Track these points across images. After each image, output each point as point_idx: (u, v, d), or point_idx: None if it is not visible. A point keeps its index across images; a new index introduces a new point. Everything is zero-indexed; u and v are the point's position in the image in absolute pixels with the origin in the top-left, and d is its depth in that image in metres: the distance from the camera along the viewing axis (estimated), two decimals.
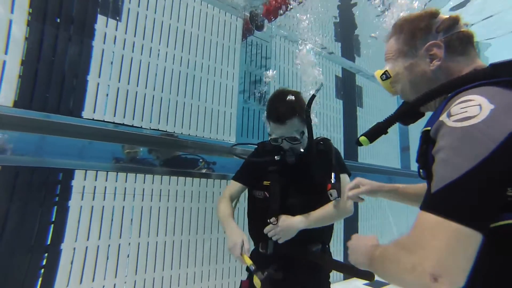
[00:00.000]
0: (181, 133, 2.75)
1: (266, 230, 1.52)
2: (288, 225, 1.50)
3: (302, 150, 1.59)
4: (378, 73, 1.02)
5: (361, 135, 1.00)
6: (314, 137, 1.62)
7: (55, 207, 2.08)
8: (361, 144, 1.03)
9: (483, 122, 0.61)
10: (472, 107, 0.65)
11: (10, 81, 2.00)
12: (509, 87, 0.68)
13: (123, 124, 2.41)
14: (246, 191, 1.78)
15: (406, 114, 0.96)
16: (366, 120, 5.15)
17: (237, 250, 1.45)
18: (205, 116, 2.93)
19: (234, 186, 1.76)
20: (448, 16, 0.89)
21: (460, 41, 0.87)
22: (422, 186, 1.21)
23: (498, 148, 0.58)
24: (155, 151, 2.83)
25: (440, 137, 0.68)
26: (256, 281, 1.40)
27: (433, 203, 0.62)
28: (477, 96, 0.67)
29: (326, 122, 4.39)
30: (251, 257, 1.75)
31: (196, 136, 2.84)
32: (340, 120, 4.63)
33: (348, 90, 4.90)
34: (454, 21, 0.88)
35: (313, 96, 1.55)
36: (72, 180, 2.15)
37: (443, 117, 0.69)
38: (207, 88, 2.98)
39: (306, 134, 1.59)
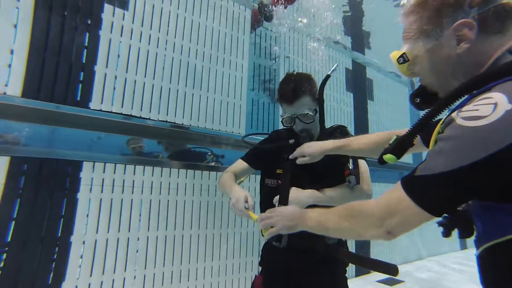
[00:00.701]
0: (190, 125, 2.70)
1: (275, 201, 1.45)
2: (296, 198, 1.42)
3: (316, 131, 1.55)
4: (394, 55, 0.89)
5: (384, 153, 0.87)
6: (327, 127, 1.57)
7: (64, 199, 2.05)
8: (385, 162, 0.90)
9: (490, 125, 0.58)
10: (486, 106, 0.61)
11: (18, 71, 1.97)
12: None
13: (130, 115, 2.37)
14: (258, 180, 1.71)
15: (429, 120, 0.80)
16: (376, 113, 5.04)
17: (241, 204, 1.36)
18: (214, 107, 2.87)
19: (240, 164, 1.68)
20: None
21: (498, 17, 0.72)
22: (374, 138, 1.27)
23: (493, 154, 0.57)
24: (163, 143, 2.80)
25: (446, 129, 0.67)
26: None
27: (411, 186, 0.71)
28: (498, 93, 0.61)
29: (337, 115, 4.30)
30: (263, 252, 1.69)
31: (205, 128, 2.79)
32: (350, 113, 4.53)
33: (358, 83, 4.80)
34: None
35: (328, 76, 1.50)
36: (80, 172, 2.12)
37: (454, 114, 0.67)
38: (216, 79, 2.92)
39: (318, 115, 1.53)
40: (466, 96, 0.70)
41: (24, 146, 2.02)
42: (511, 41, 0.72)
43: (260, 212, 1.71)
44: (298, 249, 1.48)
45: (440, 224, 0.90)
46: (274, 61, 3.51)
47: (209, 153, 2.92)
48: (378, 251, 4.62)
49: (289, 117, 1.52)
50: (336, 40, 4.39)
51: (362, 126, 4.65)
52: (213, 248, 2.72)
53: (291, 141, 1.54)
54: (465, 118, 0.63)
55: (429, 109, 0.77)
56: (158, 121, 2.51)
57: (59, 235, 1.99)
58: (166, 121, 2.57)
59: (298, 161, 1.44)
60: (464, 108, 0.65)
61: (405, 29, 0.86)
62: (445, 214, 0.86)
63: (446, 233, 0.90)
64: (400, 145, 0.85)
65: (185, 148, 2.88)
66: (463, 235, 0.91)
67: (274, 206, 1.43)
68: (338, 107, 4.33)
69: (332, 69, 1.52)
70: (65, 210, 2.03)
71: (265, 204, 1.66)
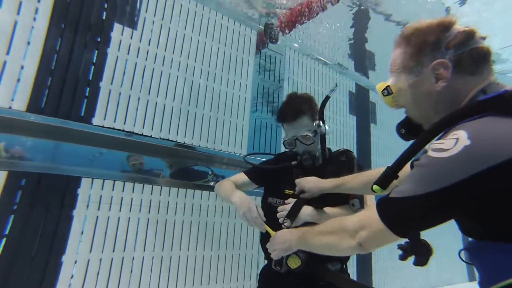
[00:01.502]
0: (191, 144, 2.68)
1: (279, 209, 1.43)
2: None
3: (317, 153, 1.55)
4: (380, 87, 0.94)
5: (374, 183, 0.92)
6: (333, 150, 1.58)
7: (59, 216, 2.00)
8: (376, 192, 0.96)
9: (450, 158, 0.65)
10: (450, 140, 0.67)
11: (26, 86, 1.98)
12: (508, 121, 0.65)
13: (132, 132, 2.36)
14: (260, 199, 1.68)
15: (414, 153, 0.83)
16: (379, 137, 5.02)
17: (254, 212, 1.34)
18: (216, 127, 2.87)
19: (241, 177, 1.67)
20: (462, 30, 0.78)
21: (472, 59, 0.77)
22: (372, 175, 1.28)
23: (450, 186, 0.64)
24: (166, 161, 2.77)
25: (421, 158, 0.74)
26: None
27: (382, 205, 0.78)
28: (461, 130, 0.67)
29: (339, 138, 4.28)
30: (262, 276, 1.63)
31: (206, 147, 2.77)
32: (353, 136, 4.52)
33: (361, 106, 4.82)
34: (468, 36, 0.78)
35: (327, 97, 1.51)
36: (78, 188, 2.08)
37: (428, 145, 0.74)
38: (219, 99, 2.94)
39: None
40: (443, 132, 0.76)
41: (27, 161, 2.00)
42: (485, 81, 0.78)
43: (260, 232, 1.67)
44: (298, 274, 1.42)
45: (399, 247, 0.94)
46: (278, 83, 3.54)
47: (209, 173, 2.89)
48: (380, 279, 4.46)
49: (290, 139, 1.53)
50: (340, 63, 4.45)
51: (364, 149, 4.62)
52: (210, 270, 2.63)
53: (294, 162, 1.54)
54: (433, 150, 0.70)
55: (411, 145, 0.82)
56: (159, 139, 2.50)
57: (51, 254, 1.93)
58: (168, 139, 2.55)
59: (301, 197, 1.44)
60: (435, 141, 0.72)
61: (391, 62, 0.91)
62: (406, 239, 0.91)
63: (403, 257, 0.93)
64: (385, 178, 0.89)
65: (186, 167, 2.85)
66: (418, 263, 0.96)
67: (277, 224, 1.42)
68: (341, 130, 4.32)
69: (331, 90, 1.53)
70: (59, 227, 1.98)
71: (266, 223, 1.62)
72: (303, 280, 1.45)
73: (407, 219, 0.73)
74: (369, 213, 0.81)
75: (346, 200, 1.48)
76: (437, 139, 0.77)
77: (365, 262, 4.22)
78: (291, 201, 1.44)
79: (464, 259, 0.82)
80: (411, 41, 0.85)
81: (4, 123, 1.88)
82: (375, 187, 0.90)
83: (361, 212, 0.87)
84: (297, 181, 1.47)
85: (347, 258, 1.59)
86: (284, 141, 1.57)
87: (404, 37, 0.87)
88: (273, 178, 1.60)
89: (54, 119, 2.04)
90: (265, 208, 1.61)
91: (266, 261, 1.65)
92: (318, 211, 1.45)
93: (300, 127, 1.49)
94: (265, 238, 1.64)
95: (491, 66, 0.80)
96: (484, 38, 0.81)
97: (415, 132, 0.91)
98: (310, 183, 1.43)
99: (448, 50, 0.79)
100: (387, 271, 4.52)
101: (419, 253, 0.93)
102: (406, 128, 0.94)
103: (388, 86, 0.91)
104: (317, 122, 1.50)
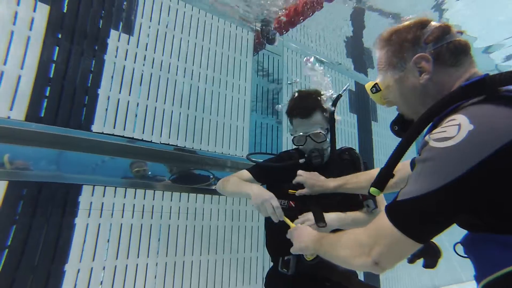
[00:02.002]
0: (192, 148, 2.67)
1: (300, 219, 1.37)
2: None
3: (327, 152, 1.52)
4: (368, 85, 0.97)
5: (370, 187, 0.90)
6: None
7: (61, 224, 1.98)
8: (373, 196, 0.95)
9: (457, 145, 0.63)
10: (452, 127, 0.66)
11: (24, 95, 1.98)
12: (501, 103, 0.65)
13: (133, 138, 2.35)
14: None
15: (405, 149, 0.83)
16: (381, 135, 4.99)
17: (275, 201, 1.30)
18: (216, 130, 2.85)
19: (244, 174, 1.61)
20: (437, 26, 0.83)
21: (451, 52, 0.81)
22: (373, 173, 1.24)
23: (462, 176, 0.61)
24: (167, 166, 2.75)
25: (422, 152, 0.71)
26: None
27: (392, 211, 0.72)
28: (460, 115, 0.67)
29: (341, 136, 4.25)
30: (268, 279, 1.60)
31: (207, 150, 2.75)
32: (355, 134, 4.49)
33: (362, 104, 4.79)
34: (444, 31, 0.82)
35: (339, 96, 1.48)
36: (79, 196, 2.07)
37: (427, 137, 0.71)
38: (219, 102, 2.92)
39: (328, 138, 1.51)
40: (434, 120, 0.76)
41: (30, 171, 1.99)
42: (467, 73, 0.80)
43: (266, 234, 1.64)
44: (306, 276, 1.39)
45: None
46: (277, 83, 3.53)
47: (211, 176, 2.87)
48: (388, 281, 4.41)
49: (301, 136, 1.48)
50: (338, 61, 4.43)
51: (366, 148, 4.59)
52: (215, 274, 2.60)
53: (301, 160, 1.50)
54: (436, 140, 0.67)
55: (401, 142, 0.82)
56: (160, 143, 2.49)
57: (53, 263, 1.91)
58: (169, 144, 2.54)
59: (297, 193, 1.42)
60: (434, 131, 0.70)
61: (377, 62, 0.95)
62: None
63: (411, 260, 0.90)
64: (381, 178, 0.86)
65: (187, 171, 2.83)
66: (427, 265, 0.94)
67: (284, 225, 1.37)
68: (342, 128, 4.30)
69: (344, 89, 1.53)
70: (61, 236, 1.96)
71: (272, 224, 1.59)
72: (310, 282, 1.42)
73: (424, 221, 0.67)
74: (380, 223, 0.73)
75: (355, 202, 1.45)
76: (428, 131, 0.77)
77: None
78: (305, 215, 1.38)
79: (458, 253, 0.81)
80: (392, 40, 0.89)
81: (3, 133, 1.87)
82: (372, 189, 0.88)
83: (373, 222, 0.78)
84: (299, 172, 1.42)
85: None
86: (293, 137, 1.52)
87: (384, 38, 0.92)
88: (277, 178, 1.56)
89: (55, 127, 2.03)
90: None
91: (272, 264, 1.62)
92: (343, 216, 1.40)
93: (312, 124, 1.46)
94: (271, 241, 1.61)
95: (472, 58, 0.83)
96: (461, 33, 0.85)
97: (408, 128, 0.90)
98: (312, 180, 1.39)
99: (427, 45, 0.83)
100: (395, 270, 4.47)
101: (428, 255, 0.90)
102: (399, 125, 0.95)
103: (376, 83, 0.95)
104: (328, 120, 1.49)
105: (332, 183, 1.38)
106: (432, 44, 0.82)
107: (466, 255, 0.75)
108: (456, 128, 0.64)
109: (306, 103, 1.47)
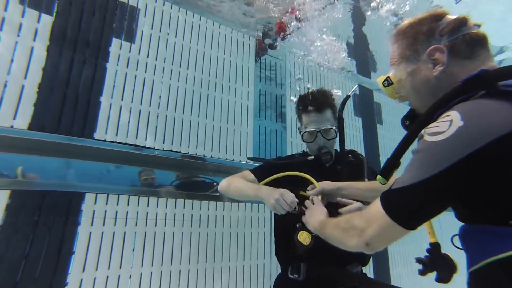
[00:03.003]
0: (195, 154, 2.65)
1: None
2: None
3: (333, 150, 1.52)
4: (380, 79, 0.98)
5: (378, 174, 0.92)
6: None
7: (63, 233, 1.96)
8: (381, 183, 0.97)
9: (446, 139, 0.66)
10: (444, 123, 0.69)
11: (27, 104, 1.99)
12: (496, 98, 0.66)
13: (134, 145, 2.34)
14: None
15: (411, 141, 0.84)
16: (386, 138, 4.92)
17: (288, 194, 1.27)
18: (220, 136, 2.83)
19: (248, 175, 1.56)
20: (454, 18, 0.82)
21: (466, 44, 0.80)
22: (371, 185, 1.34)
23: (448, 168, 0.65)
24: (171, 173, 2.72)
25: (417, 144, 0.75)
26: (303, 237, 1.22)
27: (385, 198, 0.77)
28: (454, 111, 0.69)
29: (346, 140, 4.19)
30: (277, 285, 1.55)
31: (211, 157, 2.73)
32: (360, 138, 4.43)
33: (366, 107, 4.75)
34: (460, 23, 0.81)
35: (348, 97, 1.48)
36: (82, 204, 2.05)
37: (423, 130, 0.74)
38: (222, 107, 2.91)
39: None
40: (436, 115, 0.77)
41: (38, 180, 1.98)
42: (482, 66, 0.78)
43: (275, 240, 1.58)
44: (317, 281, 1.35)
45: (418, 260, 0.90)
46: (280, 88, 3.51)
47: (215, 184, 2.83)
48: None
49: (311, 131, 1.46)
50: (341, 65, 4.41)
51: (372, 151, 4.53)
52: (221, 282, 2.54)
53: (310, 157, 1.48)
54: (429, 134, 0.70)
55: (408, 132, 0.84)
56: (163, 150, 2.47)
57: (55, 274, 1.88)
58: (171, 150, 2.52)
59: (309, 194, 1.37)
60: (430, 125, 0.73)
61: (391, 56, 0.95)
62: (426, 254, 0.88)
63: (423, 272, 0.88)
64: (387, 167, 0.87)
65: (191, 178, 2.80)
66: (440, 280, 0.91)
67: (293, 227, 1.31)
68: (347, 132, 4.25)
69: (353, 89, 1.54)
70: (63, 245, 1.94)
71: (282, 228, 1.54)
72: (322, 286, 1.37)
73: (412, 208, 0.72)
74: (375, 208, 0.78)
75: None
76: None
77: (383, 270, 4.07)
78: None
79: (455, 244, 0.83)
80: (406, 33, 0.89)
81: (6, 142, 1.88)
82: (379, 177, 0.90)
83: (368, 208, 0.83)
84: (310, 189, 1.38)
85: (367, 260, 1.51)
86: (303, 132, 1.50)
87: (399, 32, 0.92)
88: (281, 179, 1.52)
89: (59, 136, 2.03)
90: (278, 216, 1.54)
91: (280, 270, 1.57)
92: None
93: (324, 120, 1.46)
94: (281, 247, 1.56)
95: (489, 52, 0.82)
96: (478, 26, 0.84)
97: None
98: (328, 184, 1.37)
99: (442, 37, 0.82)
100: (405, 278, 4.35)
101: (442, 268, 0.87)
102: (410, 120, 0.95)
103: (388, 77, 0.95)
104: (337, 119, 1.50)
105: (332, 185, 1.38)
106: (447, 36, 0.81)
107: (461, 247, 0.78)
108: (447, 123, 0.67)
109: (320, 98, 1.47)
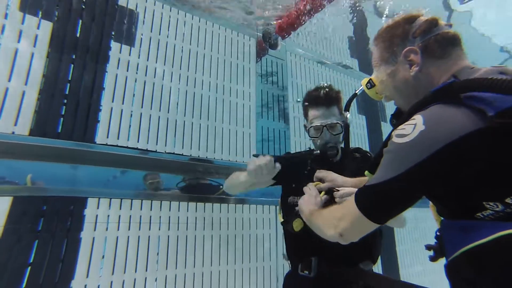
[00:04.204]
0: (198, 156, 2.62)
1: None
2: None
3: (339, 146, 1.51)
4: (363, 81, 1.04)
5: (366, 170, 0.99)
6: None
7: (66, 239, 1.94)
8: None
9: (410, 142, 0.72)
10: (409, 126, 0.74)
11: (28, 110, 1.99)
12: (455, 106, 0.71)
13: (136, 149, 2.32)
14: (279, 201, 1.60)
15: None
16: None
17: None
18: (222, 137, 2.81)
19: None
20: (424, 19, 0.87)
21: (438, 44, 0.85)
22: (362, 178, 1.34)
23: (411, 168, 0.70)
24: (175, 176, 2.70)
25: (388, 144, 0.80)
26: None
27: (358, 194, 0.84)
28: (419, 115, 0.74)
29: (351, 138, 4.14)
30: (287, 283, 1.53)
31: (214, 158, 2.70)
32: (364, 136, 4.38)
33: (370, 105, 4.70)
34: (430, 24, 0.86)
35: (354, 95, 1.47)
36: (84, 209, 2.03)
37: (393, 131, 0.80)
38: (223, 109, 2.89)
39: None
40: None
41: (32, 186, 1.97)
42: (455, 66, 0.83)
43: (285, 239, 1.56)
44: (329, 279, 1.31)
45: (428, 247, 0.92)
46: (281, 88, 3.49)
47: (221, 186, 2.80)
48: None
49: (317, 126, 1.45)
50: (343, 63, 4.37)
51: (377, 148, 4.42)
52: (227, 284, 2.50)
53: (317, 152, 1.47)
54: (396, 136, 0.76)
55: (391, 131, 0.86)
56: (165, 153, 2.45)
57: (59, 280, 1.86)
58: (174, 153, 2.50)
59: (318, 187, 1.35)
60: (399, 127, 0.78)
61: (372, 59, 1.00)
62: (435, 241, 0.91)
63: (433, 258, 0.90)
64: (374, 163, 0.90)
65: (196, 180, 2.77)
66: None
67: (308, 235, 1.26)
68: (351, 130, 4.19)
69: (360, 88, 1.51)
70: (66, 251, 1.92)
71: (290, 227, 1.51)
72: (333, 284, 1.34)
73: (380, 204, 0.79)
74: (349, 203, 0.84)
75: None
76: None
77: (392, 269, 4.00)
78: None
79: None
80: (383, 36, 0.94)
81: (8, 148, 1.87)
82: (366, 172, 0.96)
83: (346, 201, 0.90)
84: (318, 172, 1.36)
85: (378, 256, 1.48)
86: (309, 128, 1.49)
87: (378, 35, 0.97)
88: (289, 174, 1.50)
89: (58, 141, 2.02)
90: (286, 208, 1.53)
91: (290, 269, 1.53)
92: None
93: (330, 115, 1.46)
94: (290, 248, 1.54)
95: (462, 50, 0.86)
96: (450, 26, 0.89)
97: None
98: (332, 174, 1.34)
99: (415, 38, 0.87)
100: (414, 277, 4.27)
101: None
102: (397, 119, 0.97)
103: (370, 79, 1.02)
104: (345, 113, 1.51)
105: (350, 181, 1.35)
106: (420, 37, 0.86)
107: None
108: (412, 127, 0.72)
109: (328, 93, 1.48)
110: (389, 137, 0.81)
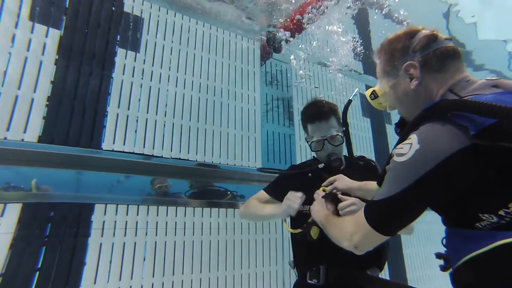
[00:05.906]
0: (204, 161, 2.63)
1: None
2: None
3: (342, 156, 1.55)
4: (368, 92, 1.08)
5: (377, 184, 1.04)
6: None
7: (74, 245, 1.95)
8: None
9: (407, 161, 0.77)
10: (406, 145, 0.79)
11: (37, 117, 2.01)
12: (444, 124, 0.74)
13: (143, 154, 2.33)
14: None
15: None
16: (397, 137, 4.81)
17: (292, 196, 1.38)
18: (228, 142, 2.81)
19: (262, 196, 1.64)
20: (424, 35, 0.90)
21: (437, 58, 0.88)
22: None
23: (409, 187, 0.76)
24: (189, 181, 2.70)
25: (390, 162, 0.85)
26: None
27: (367, 208, 0.89)
28: (414, 135, 0.79)
29: (355, 141, 4.13)
30: None
31: (219, 163, 2.71)
32: (369, 139, 4.36)
33: (374, 108, 4.66)
34: (429, 39, 0.89)
35: (350, 101, 1.52)
36: (92, 215, 2.04)
37: (393, 150, 0.85)
38: (229, 113, 2.90)
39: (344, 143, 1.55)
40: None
41: (51, 193, 1.99)
42: (452, 80, 0.87)
43: (293, 246, 1.57)
44: (338, 286, 1.31)
45: (438, 255, 0.94)
46: (286, 91, 3.49)
47: (228, 192, 2.78)
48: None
49: (318, 140, 1.49)
50: (348, 66, 4.37)
51: (382, 151, 4.44)
52: None
53: (321, 165, 1.52)
54: (396, 154, 0.81)
55: (398, 140, 0.92)
56: (171, 158, 2.46)
57: (66, 286, 1.86)
58: (180, 158, 2.51)
59: (328, 189, 1.41)
60: (398, 146, 0.83)
61: (376, 70, 1.04)
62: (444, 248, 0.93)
63: (444, 267, 0.91)
64: (382, 176, 0.91)
65: (203, 186, 2.77)
66: None
67: (315, 243, 1.34)
68: (356, 133, 4.18)
69: (354, 93, 1.57)
70: (74, 258, 1.93)
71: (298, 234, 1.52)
72: None
73: (387, 218, 0.83)
74: (360, 217, 0.89)
75: None
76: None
77: (399, 274, 3.95)
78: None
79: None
80: (385, 50, 0.98)
81: (18, 155, 1.89)
82: (376, 187, 1.01)
83: (358, 214, 0.92)
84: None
85: (383, 264, 1.48)
86: (310, 142, 1.54)
87: (380, 48, 1.01)
88: (296, 189, 1.51)
89: (66, 147, 2.04)
90: (295, 218, 1.54)
91: (297, 277, 1.53)
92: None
93: (329, 128, 1.50)
94: (297, 255, 1.54)
95: (460, 63, 0.89)
96: (449, 39, 0.92)
97: None
98: (342, 177, 1.40)
99: (415, 53, 0.90)
100: (422, 280, 4.22)
101: None
102: (401, 127, 1.01)
103: (374, 90, 1.05)
104: (342, 125, 1.55)
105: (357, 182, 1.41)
106: (420, 52, 0.90)
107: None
108: (408, 146, 0.77)
109: (322, 106, 1.52)
110: (391, 155, 0.85)
